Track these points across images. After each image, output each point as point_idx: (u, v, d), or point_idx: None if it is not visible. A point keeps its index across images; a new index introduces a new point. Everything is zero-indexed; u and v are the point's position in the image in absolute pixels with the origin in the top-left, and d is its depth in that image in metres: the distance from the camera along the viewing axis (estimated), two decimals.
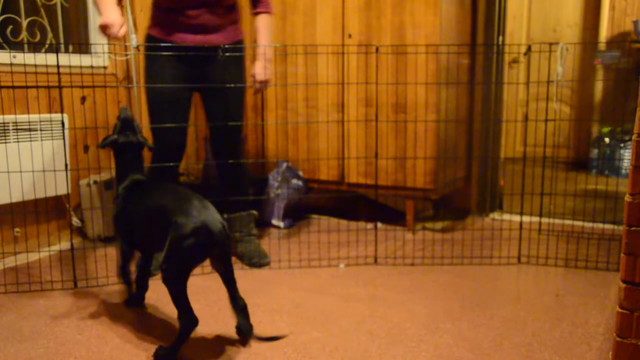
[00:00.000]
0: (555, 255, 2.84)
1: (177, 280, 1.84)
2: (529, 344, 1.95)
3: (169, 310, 2.23)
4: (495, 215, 3.71)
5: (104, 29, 2.26)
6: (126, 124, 2.22)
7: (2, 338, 2.01)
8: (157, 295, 2.37)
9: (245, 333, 1.99)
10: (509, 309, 2.25)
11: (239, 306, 1.97)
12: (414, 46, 3.13)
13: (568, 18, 5.14)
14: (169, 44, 2.59)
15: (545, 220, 3.39)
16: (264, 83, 2.69)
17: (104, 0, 2.34)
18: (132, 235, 2.12)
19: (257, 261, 2.77)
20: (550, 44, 2.62)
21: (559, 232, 3.23)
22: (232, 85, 2.68)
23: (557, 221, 3.44)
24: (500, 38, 3.58)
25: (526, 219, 3.14)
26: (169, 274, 1.83)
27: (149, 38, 2.67)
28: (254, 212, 2.90)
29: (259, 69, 2.66)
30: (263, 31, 2.68)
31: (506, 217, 3.65)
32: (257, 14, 2.70)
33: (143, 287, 2.29)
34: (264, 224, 3.49)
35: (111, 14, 2.28)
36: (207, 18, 2.59)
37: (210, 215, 1.87)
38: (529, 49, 2.70)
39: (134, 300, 2.30)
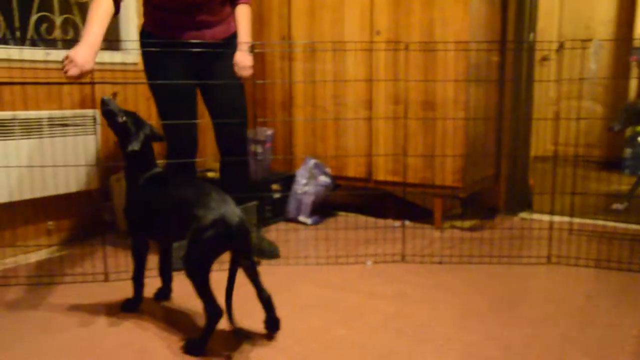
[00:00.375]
0: (586, 256, 2.79)
1: (199, 272, 1.86)
2: (560, 345, 1.92)
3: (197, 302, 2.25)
4: (524, 214, 3.66)
5: (66, 60, 2.13)
6: (134, 117, 2.21)
7: (36, 329, 2.06)
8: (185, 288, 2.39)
9: (271, 327, 2.00)
10: (539, 309, 2.22)
11: (264, 298, 1.99)
12: (443, 43, 3.11)
13: (602, 15, 5.03)
14: (169, 41, 2.58)
15: (576, 220, 3.33)
16: (246, 69, 2.66)
17: (94, 18, 2.22)
18: (148, 226, 2.15)
19: (268, 248, 2.80)
20: (584, 41, 2.57)
21: (590, 232, 3.18)
22: (228, 81, 2.68)
23: (588, 221, 3.38)
24: (531, 35, 3.53)
25: (556, 218, 3.09)
26: (190, 267, 1.87)
27: (145, 35, 2.65)
28: (256, 202, 2.90)
29: (239, 56, 2.64)
30: (243, 22, 2.69)
31: (536, 216, 3.60)
32: (236, 4, 2.71)
33: (167, 280, 2.34)
34: (290, 220, 3.51)
35: (84, 51, 2.14)
36: (204, 15, 2.61)
37: (229, 208, 1.90)
38: (561, 45, 2.65)
39: (162, 293, 2.33)
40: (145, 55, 2.64)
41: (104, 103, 2.16)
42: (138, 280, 2.23)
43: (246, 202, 2.84)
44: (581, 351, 1.88)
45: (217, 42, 2.66)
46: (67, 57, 2.14)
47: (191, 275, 1.87)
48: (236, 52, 2.65)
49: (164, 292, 2.33)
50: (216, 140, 2.82)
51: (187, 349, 1.88)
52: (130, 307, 2.23)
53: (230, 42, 2.70)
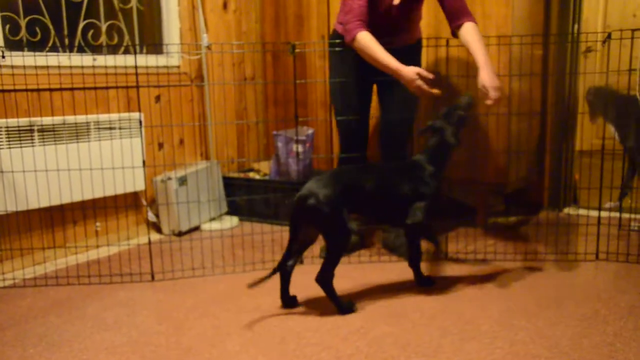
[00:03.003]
0: (636, 252, 2.71)
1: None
2: (610, 343, 1.88)
3: (242, 303, 2.29)
4: (570, 210, 3.58)
5: (419, 81, 2.36)
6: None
7: (88, 326, 2.12)
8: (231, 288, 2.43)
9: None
10: (588, 307, 2.17)
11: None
12: (485, 37, 3.05)
13: None
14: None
15: (625, 215, 3.24)
16: (496, 89, 2.36)
17: (378, 48, 2.44)
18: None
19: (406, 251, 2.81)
20: (633, 30, 2.49)
21: None
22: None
23: (638, 216, 3.29)
24: (576, 26, 3.44)
25: (604, 214, 3.01)
26: None
27: (335, 34, 2.79)
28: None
29: (486, 77, 2.37)
30: (475, 40, 2.50)
31: (582, 212, 3.52)
32: (459, 26, 2.58)
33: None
34: None
35: (411, 69, 2.38)
36: (397, 23, 2.68)
37: (312, 185, 2.12)
38: (608, 36, 2.58)
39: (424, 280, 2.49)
40: (332, 53, 2.77)
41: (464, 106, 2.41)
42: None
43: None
44: (634, 350, 1.83)
45: (403, 47, 2.71)
46: (419, 78, 2.35)
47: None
48: (480, 72, 2.40)
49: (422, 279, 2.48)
50: (380, 136, 2.91)
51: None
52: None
53: (413, 47, 2.79)
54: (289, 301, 2.24)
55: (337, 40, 2.70)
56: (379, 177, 2.26)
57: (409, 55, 2.72)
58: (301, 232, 2.16)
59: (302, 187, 2.14)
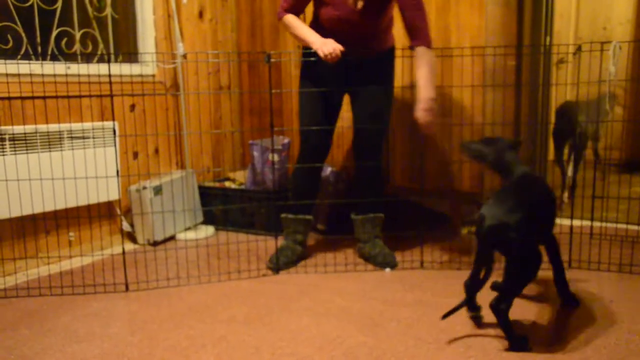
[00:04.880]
0: (608, 260, 2.76)
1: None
2: (581, 351, 1.90)
3: (217, 314, 2.27)
4: None
5: (328, 48, 2.50)
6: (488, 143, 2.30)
7: (59, 338, 2.09)
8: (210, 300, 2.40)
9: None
10: (559, 313, 2.20)
11: (560, 280, 2.28)
12: (459, 49, 3.10)
13: (620, 15, 4.98)
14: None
15: (597, 224, 3.29)
16: (428, 124, 2.58)
17: (299, 25, 2.66)
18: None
19: (382, 260, 2.81)
20: (602, 43, 2.55)
21: (612, 236, 3.14)
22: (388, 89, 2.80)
23: (609, 225, 3.34)
24: (548, 38, 3.51)
25: (576, 222, 3.06)
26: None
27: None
28: (381, 214, 2.94)
29: (419, 112, 2.57)
30: (421, 66, 2.59)
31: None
32: (413, 47, 2.65)
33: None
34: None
35: (324, 38, 2.57)
36: (362, 30, 2.69)
37: (487, 211, 1.98)
38: (579, 48, 2.64)
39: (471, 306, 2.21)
40: (303, 63, 2.82)
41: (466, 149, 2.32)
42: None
43: (372, 212, 2.90)
44: (605, 357, 1.85)
45: (372, 56, 2.75)
46: (326, 47, 2.51)
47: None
48: (416, 109, 2.57)
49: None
50: (353, 145, 2.93)
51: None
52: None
53: (385, 56, 2.79)
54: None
55: (309, 51, 2.72)
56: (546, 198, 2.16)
57: (381, 63, 2.75)
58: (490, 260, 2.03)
59: (481, 214, 1.98)
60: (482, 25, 3.08)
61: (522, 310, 2.25)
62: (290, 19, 2.70)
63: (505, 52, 3.32)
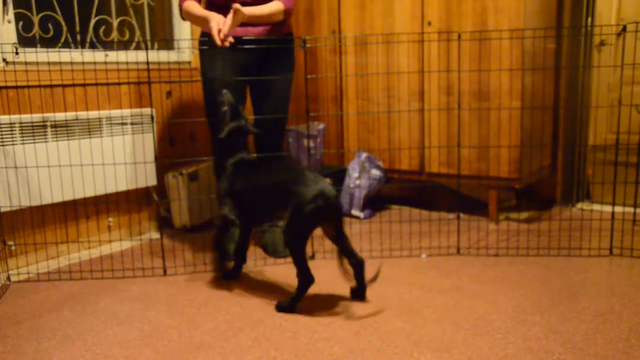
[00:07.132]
0: None
1: (299, 243, 2.09)
2: (625, 339, 1.86)
3: (253, 299, 2.29)
4: (583, 205, 3.56)
5: (217, 24, 2.45)
6: (235, 110, 2.41)
7: (101, 320, 2.14)
8: (243, 284, 2.44)
9: (359, 295, 2.25)
10: (601, 302, 2.16)
11: (357, 263, 2.19)
12: (497, 32, 3.04)
13: None
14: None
15: (639, 210, 3.21)
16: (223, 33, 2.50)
17: (194, 7, 2.60)
18: (240, 207, 2.32)
19: (282, 251, 2.81)
20: None
21: None
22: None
23: None
24: (589, 19, 3.41)
25: (618, 209, 2.99)
26: (291, 238, 2.09)
27: (203, 33, 2.77)
28: None
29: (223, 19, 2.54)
30: (264, 8, 2.63)
31: (595, 207, 3.49)
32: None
33: (241, 261, 2.51)
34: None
35: (214, 14, 2.51)
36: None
37: (325, 184, 2.09)
38: (623, 29, 2.55)
39: (233, 273, 2.52)
40: (201, 51, 2.75)
41: (220, 94, 2.43)
42: (222, 245, 2.54)
43: None
44: None
45: (267, 39, 2.69)
46: (216, 24, 2.44)
47: (291, 245, 2.08)
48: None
49: (235, 272, 2.53)
50: (255, 138, 2.90)
51: (280, 308, 2.15)
52: (231, 275, 2.52)
53: (283, 42, 2.73)
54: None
55: (206, 38, 2.68)
56: None
57: (280, 49, 2.72)
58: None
59: None
60: (520, 7, 3.02)
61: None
62: (190, 4, 2.66)
63: (545, 35, 3.24)
